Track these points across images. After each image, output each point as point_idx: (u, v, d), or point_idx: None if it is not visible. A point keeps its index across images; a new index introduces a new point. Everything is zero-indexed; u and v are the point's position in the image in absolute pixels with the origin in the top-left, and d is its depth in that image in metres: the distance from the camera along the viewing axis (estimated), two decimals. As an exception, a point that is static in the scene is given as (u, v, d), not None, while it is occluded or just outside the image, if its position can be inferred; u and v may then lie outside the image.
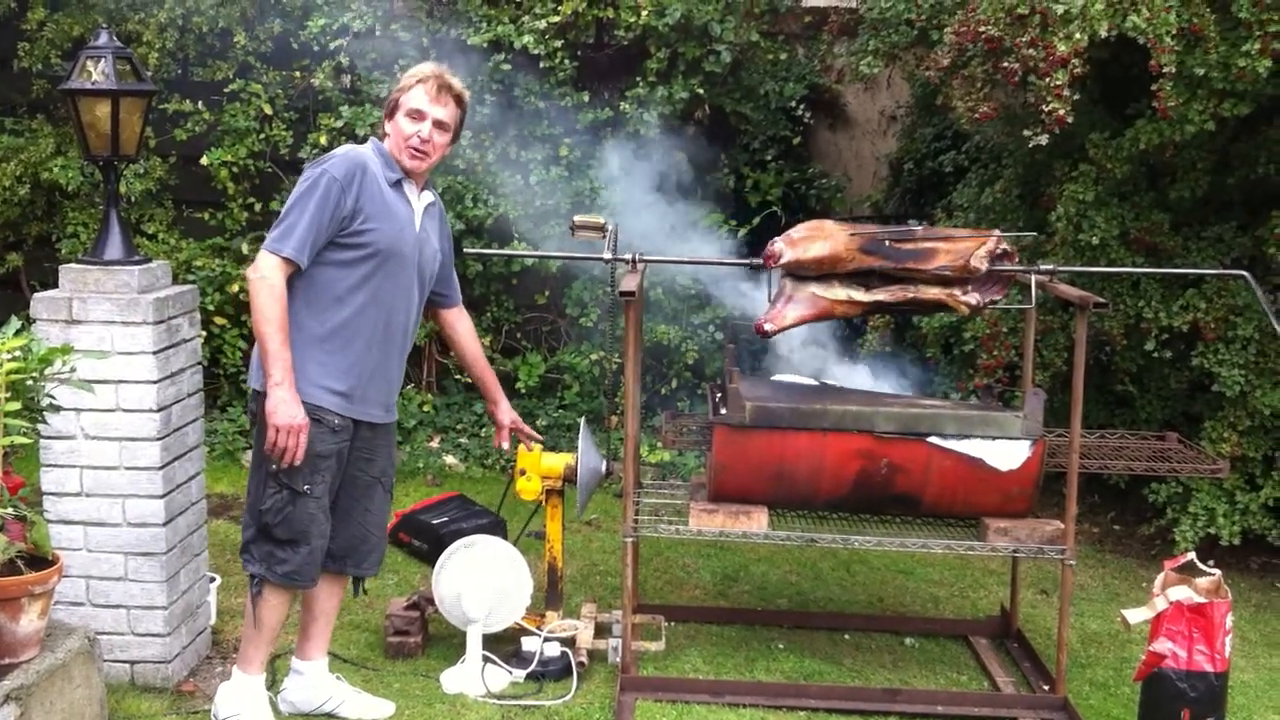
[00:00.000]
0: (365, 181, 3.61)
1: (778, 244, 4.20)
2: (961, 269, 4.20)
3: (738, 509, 4.26)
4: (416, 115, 3.69)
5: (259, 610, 3.80)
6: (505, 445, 4.36)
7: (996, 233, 4.27)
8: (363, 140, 4.11)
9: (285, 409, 3.52)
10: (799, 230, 4.24)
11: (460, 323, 4.21)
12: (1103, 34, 4.73)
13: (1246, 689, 4.55)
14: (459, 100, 3.77)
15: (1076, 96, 4.88)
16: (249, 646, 3.87)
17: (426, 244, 3.83)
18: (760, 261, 4.33)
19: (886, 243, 4.21)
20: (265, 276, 3.51)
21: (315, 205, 3.54)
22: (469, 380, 7.17)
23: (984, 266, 4.20)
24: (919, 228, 4.32)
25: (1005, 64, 4.96)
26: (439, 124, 3.72)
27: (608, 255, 4.34)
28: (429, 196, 3.86)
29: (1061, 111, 4.79)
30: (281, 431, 3.53)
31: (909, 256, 4.23)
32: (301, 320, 3.60)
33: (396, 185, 3.71)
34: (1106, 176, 5.59)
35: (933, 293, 4.33)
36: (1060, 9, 4.73)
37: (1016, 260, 4.31)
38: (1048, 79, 4.79)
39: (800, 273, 4.24)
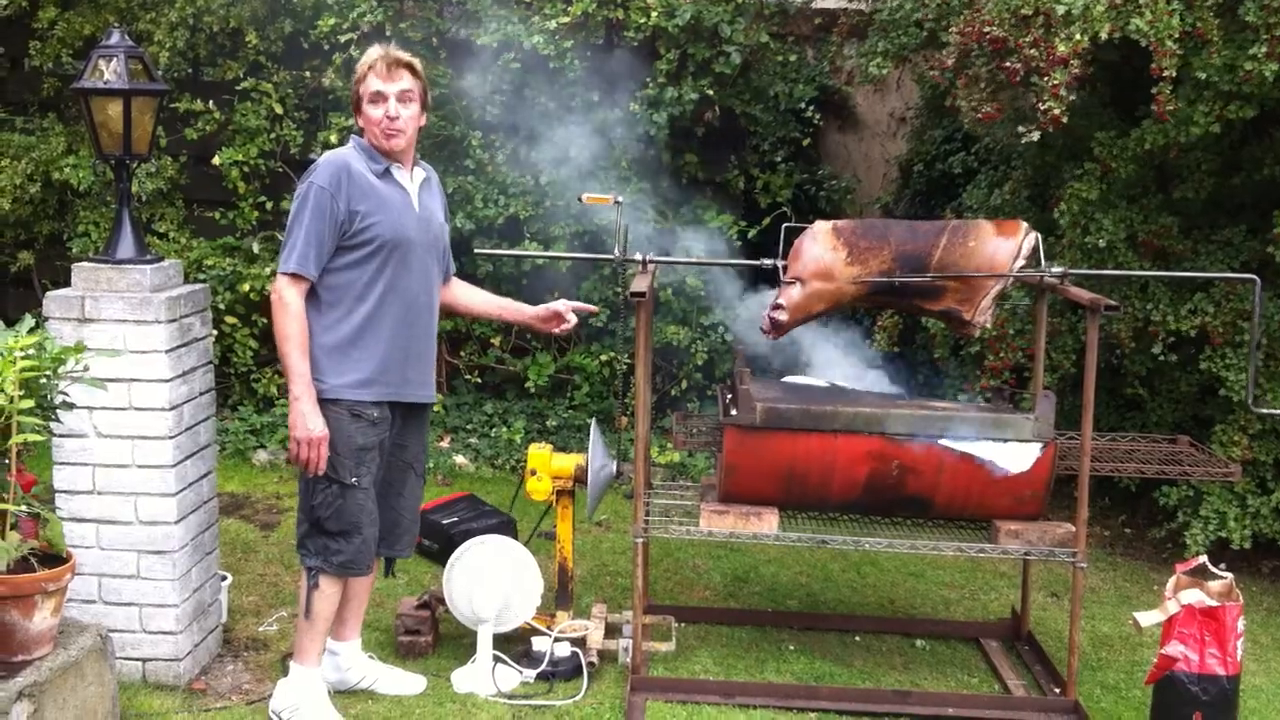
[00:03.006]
0: (352, 181, 3.71)
1: (781, 315, 4.27)
2: (965, 322, 4.26)
3: (748, 510, 4.26)
4: (378, 98, 3.76)
5: (314, 602, 3.91)
6: (573, 320, 4.28)
7: (1024, 225, 4.23)
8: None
9: (303, 422, 3.68)
10: (803, 268, 4.23)
11: (459, 289, 4.28)
12: (1104, 36, 4.74)
13: (1258, 693, 4.54)
14: (411, 69, 3.81)
15: (1073, 98, 4.88)
16: (304, 639, 3.96)
17: (431, 220, 3.94)
18: (771, 264, 4.34)
19: (896, 283, 4.21)
20: (281, 296, 3.68)
21: (309, 217, 3.67)
22: (479, 380, 7.20)
23: (988, 323, 4.27)
24: (947, 224, 4.28)
25: (1008, 64, 4.96)
26: (402, 96, 3.77)
27: (618, 256, 4.35)
28: (421, 173, 3.95)
29: (1057, 111, 4.79)
30: (302, 444, 3.69)
31: (917, 294, 4.26)
32: (329, 324, 3.75)
33: (385, 175, 3.80)
34: (1111, 176, 5.58)
35: (937, 316, 4.41)
36: (1062, 10, 4.73)
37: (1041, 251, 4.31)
38: (1046, 79, 4.79)
39: None
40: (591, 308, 4.50)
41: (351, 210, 3.70)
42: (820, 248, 4.25)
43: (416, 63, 3.85)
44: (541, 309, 4.29)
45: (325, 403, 3.73)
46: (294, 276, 3.67)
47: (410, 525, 4.16)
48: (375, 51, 3.81)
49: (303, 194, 3.71)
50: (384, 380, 3.81)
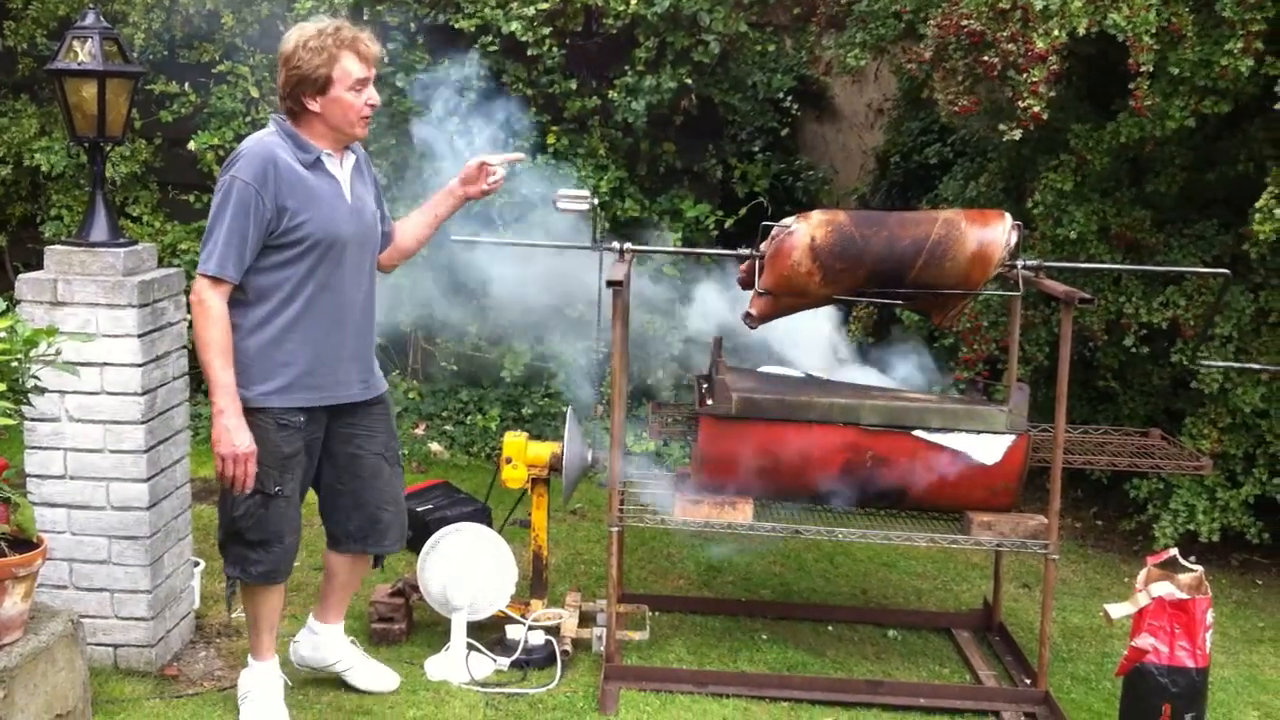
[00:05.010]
0: (279, 175, 3.47)
1: (750, 324, 4.32)
2: (935, 320, 4.30)
3: (723, 500, 4.26)
4: (359, 86, 3.54)
5: (245, 606, 3.86)
6: (500, 172, 3.90)
7: (1006, 225, 4.18)
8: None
9: (228, 438, 3.49)
10: (775, 284, 4.21)
11: (401, 238, 3.94)
12: (1081, 31, 4.76)
13: (1226, 685, 4.58)
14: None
15: (1053, 94, 4.90)
16: (251, 636, 3.91)
17: (364, 211, 3.69)
18: (748, 252, 4.34)
19: (869, 288, 4.23)
20: (202, 300, 3.47)
21: (231, 216, 3.45)
22: (455, 367, 7.18)
23: (955, 326, 4.28)
24: (927, 240, 4.25)
25: (985, 58, 4.97)
26: (376, 81, 3.62)
27: (595, 244, 4.33)
28: (351, 157, 3.70)
29: (1037, 108, 4.80)
30: (228, 461, 3.50)
31: (891, 297, 4.30)
32: (253, 326, 3.55)
33: (315, 164, 3.57)
34: (1086, 168, 5.61)
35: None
36: (1040, 4, 4.74)
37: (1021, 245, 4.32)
38: (1025, 75, 4.80)
39: None
40: (518, 155, 4.17)
41: (280, 206, 3.47)
42: (793, 269, 4.17)
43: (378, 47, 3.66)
44: (462, 174, 3.92)
45: (251, 411, 3.54)
46: (214, 280, 3.46)
47: (394, 518, 3.96)
48: (344, 29, 3.53)
49: (225, 188, 3.46)
50: (313, 384, 3.62)
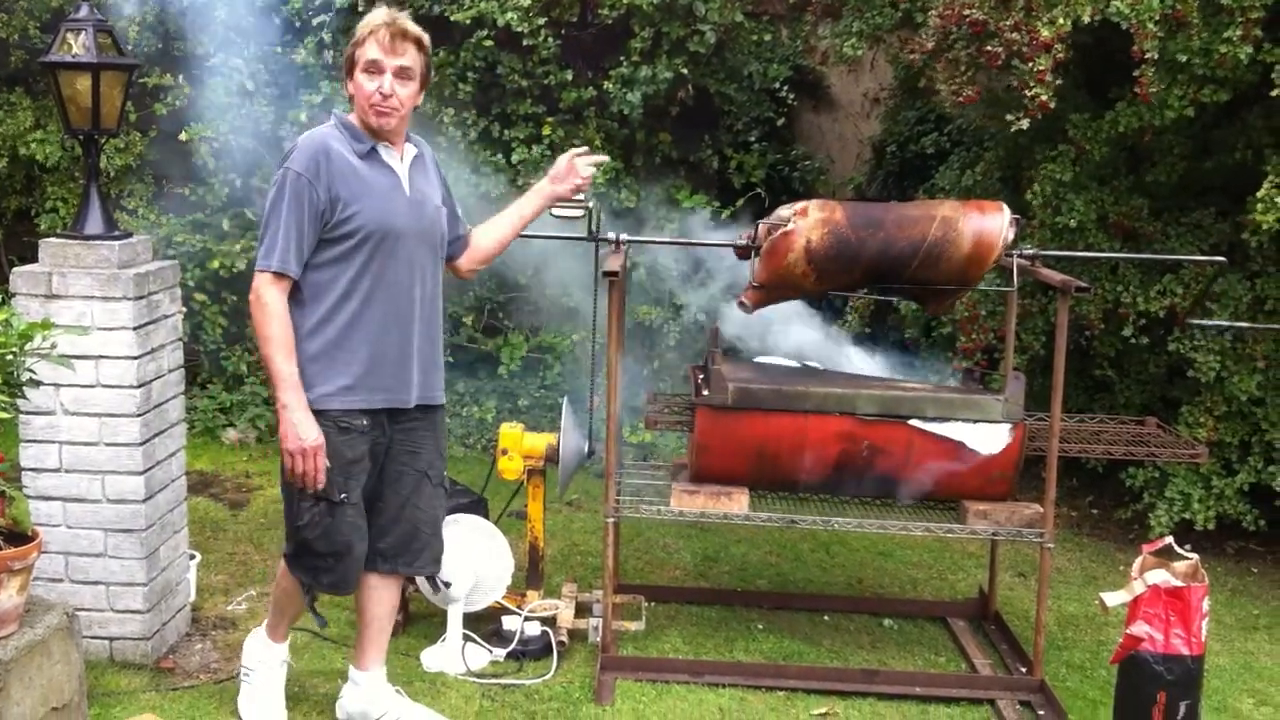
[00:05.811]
0: (331, 166, 3.39)
1: (744, 311, 4.32)
2: (930, 310, 4.30)
3: (719, 490, 4.27)
4: (373, 69, 3.41)
5: (280, 589, 3.77)
6: (589, 171, 3.88)
7: (1005, 216, 4.17)
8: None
9: (295, 432, 3.37)
10: (770, 278, 4.19)
11: (479, 242, 3.88)
12: (1086, 19, 4.75)
13: (1221, 672, 4.59)
14: (419, 44, 3.47)
15: (1059, 81, 4.89)
16: (276, 619, 3.83)
17: (425, 203, 3.58)
18: (744, 243, 4.33)
19: (864, 284, 4.24)
20: (260, 297, 3.38)
21: (287, 209, 3.36)
22: (451, 359, 7.17)
23: (951, 314, 4.28)
24: (924, 242, 4.23)
25: (989, 48, 4.96)
26: (401, 73, 3.43)
27: (591, 235, 4.32)
28: (412, 150, 3.61)
29: (1044, 97, 4.80)
30: (296, 456, 3.38)
31: (887, 291, 4.30)
32: (313, 327, 3.44)
33: (370, 155, 3.48)
34: (1085, 158, 5.61)
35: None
36: None
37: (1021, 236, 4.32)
38: (1031, 64, 4.80)
39: None
40: (604, 158, 4.05)
41: (333, 196, 3.37)
42: (788, 269, 4.15)
43: (425, 37, 3.49)
44: (552, 172, 3.88)
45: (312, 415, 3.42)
46: (275, 275, 3.36)
47: (429, 540, 3.76)
48: (380, 15, 3.43)
49: (279, 182, 3.38)
50: (373, 385, 3.48)
